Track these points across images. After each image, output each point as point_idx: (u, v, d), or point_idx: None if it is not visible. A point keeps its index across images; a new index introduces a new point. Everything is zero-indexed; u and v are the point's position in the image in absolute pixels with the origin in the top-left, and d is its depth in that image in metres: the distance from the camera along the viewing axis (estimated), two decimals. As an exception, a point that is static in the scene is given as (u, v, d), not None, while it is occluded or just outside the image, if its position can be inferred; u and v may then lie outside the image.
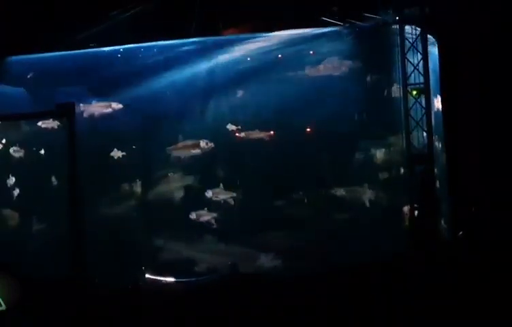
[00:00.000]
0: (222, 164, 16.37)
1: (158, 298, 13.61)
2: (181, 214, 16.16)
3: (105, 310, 12.60)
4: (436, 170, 15.44)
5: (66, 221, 13.44)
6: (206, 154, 16.30)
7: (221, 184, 16.19)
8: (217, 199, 16.14)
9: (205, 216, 16.10)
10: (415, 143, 15.23)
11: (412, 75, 15.29)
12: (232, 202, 16.11)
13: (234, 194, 16.10)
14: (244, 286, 13.60)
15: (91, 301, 12.84)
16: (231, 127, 16.34)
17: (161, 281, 14.79)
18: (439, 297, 11.90)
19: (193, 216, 16.08)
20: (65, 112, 13.21)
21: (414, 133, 15.23)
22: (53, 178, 16.38)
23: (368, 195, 15.65)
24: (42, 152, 16.59)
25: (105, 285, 13.92)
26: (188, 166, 16.44)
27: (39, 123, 16.34)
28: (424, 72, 15.21)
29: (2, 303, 12.49)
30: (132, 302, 13.04)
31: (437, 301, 11.78)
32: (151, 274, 14.88)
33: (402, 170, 15.52)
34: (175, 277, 14.92)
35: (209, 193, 16.14)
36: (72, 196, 13.14)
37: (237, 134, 16.47)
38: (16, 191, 16.51)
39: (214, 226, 16.04)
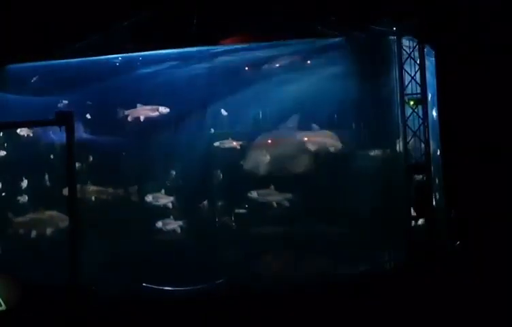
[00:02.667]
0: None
1: (155, 306, 13.59)
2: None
3: (102, 319, 12.59)
4: (437, 180, 15.55)
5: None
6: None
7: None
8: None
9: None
10: (412, 153, 15.31)
11: (410, 85, 15.37)
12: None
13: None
14: (241, 295, 13.60)
15: (88, 309, 12.80)
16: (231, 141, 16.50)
17: (158, 288, 14.75)
18: (437, 306, 11.94)
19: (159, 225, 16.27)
20: (64, 120, 13.20)
21: (412, 143, 15.30)
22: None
23: (365, 205, 15.66)
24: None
25: (102, 293, 13.87)
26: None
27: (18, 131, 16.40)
28: (421, 82, 15.31)
29: (2, 303, 12.50)
30: (129, 310, 13.01)
31: (435, 310, 11.82)
32: (148, 282, 14.84)
33: (400, 180, 15.53)
34: (172, 285, 14.87)
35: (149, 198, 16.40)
36: (70, 203, 13.12)
37: (234, 143, 16.61)
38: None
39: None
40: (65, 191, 13.76)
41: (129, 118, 16.52)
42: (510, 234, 14.20)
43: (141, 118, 16.56)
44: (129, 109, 16.58)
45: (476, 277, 12.98)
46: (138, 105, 16.52)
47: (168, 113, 16.52)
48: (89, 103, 16.59)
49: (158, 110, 16.44)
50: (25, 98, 16.19)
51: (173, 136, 16.40)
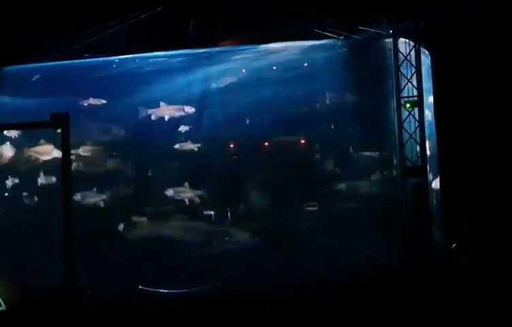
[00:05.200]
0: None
1: (152, 308, 13.56)
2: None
3: (99, 321, 12.58)
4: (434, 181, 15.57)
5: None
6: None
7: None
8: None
9: None
10: (409, 155, 15.30)
11: (406, 87, 15.37)
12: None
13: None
14: (234, 298, 13.57)
15: (84, 312, 12.79)
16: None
17: (153, 291, 14.73)
18: (432, 308, 11.92)
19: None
20: (60, 122, 13.14)
21: (408, 146, 15.29)
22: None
23: (360, 207, 15.65)
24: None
25: (98, 296, 13.85)
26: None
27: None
28: (417, 85, 15.29)
29: (2, 303, 12.48)
30: (125, 312, 12.99)
31: (430, 312, 11.79)
32: (144, 284, 14.82)
33: (396, 182, 15.51)
34: (168, 288, 14.86)
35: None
36: (66, 206, 13.10)
37: (231, 145, 16.62)
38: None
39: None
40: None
41: (153, 117, 16.55)
42: (508, 235, 14.18)
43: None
44: (152, 108, 16.63)
45: (474, 278, 12.97)
46: (162, 103, 16.54)
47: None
48: (82, 103, 16.57)
49: (183, 110, 16.51)
50: (21, 100, 16.25)
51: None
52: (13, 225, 15.80)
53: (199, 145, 16.44)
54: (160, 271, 15.05)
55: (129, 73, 16.44)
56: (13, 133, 16.41)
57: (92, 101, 16.65)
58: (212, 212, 16.53)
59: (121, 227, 16.45)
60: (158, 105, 16.57)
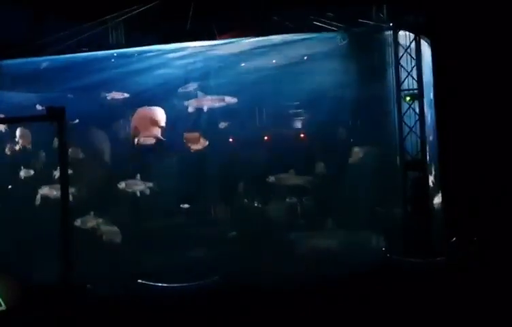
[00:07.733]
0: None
1: (150, 303, 13.53)
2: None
3: (97, 317, 12.55)
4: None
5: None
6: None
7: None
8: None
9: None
10: (409, 149, 15.21)
11: (406, 80, 15.26)
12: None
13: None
14: (237, 293, 13.54)
15: (82, 308, 12.76)
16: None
17: (152, 285, 14.70)
18: (431, 303, 11.88)
19: None
20: (56, 116, 13.00)
21: (408, 139, 15.19)
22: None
23: (360, 202, 15.58)
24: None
25: (97, 291, 13.82)
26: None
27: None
28: (418, 78, 15.19)
29: (2, 303, 12.44)
30: (124, 308, 12.96)
31: (429, 308, 11.75)
32: (143, 279, 14.78)
33: (396, 176, 15.43)
34: (167, 282, 14.82)
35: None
36: (63, 203, 13.01)
37: (230, 140, 16.56)
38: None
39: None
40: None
41: (190, 109, 16.50)
42: (507, 230, 14.13)
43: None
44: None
45: (473, 274, 12.93)
46: (199, 94, 16.53)
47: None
48: (70, 96, 16.45)
49: (224, 100, 16.41)
50: (18, 94, 16.21)
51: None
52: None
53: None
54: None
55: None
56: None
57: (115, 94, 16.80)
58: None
59: None
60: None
